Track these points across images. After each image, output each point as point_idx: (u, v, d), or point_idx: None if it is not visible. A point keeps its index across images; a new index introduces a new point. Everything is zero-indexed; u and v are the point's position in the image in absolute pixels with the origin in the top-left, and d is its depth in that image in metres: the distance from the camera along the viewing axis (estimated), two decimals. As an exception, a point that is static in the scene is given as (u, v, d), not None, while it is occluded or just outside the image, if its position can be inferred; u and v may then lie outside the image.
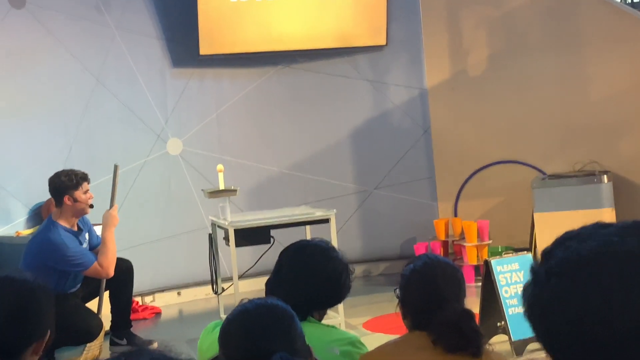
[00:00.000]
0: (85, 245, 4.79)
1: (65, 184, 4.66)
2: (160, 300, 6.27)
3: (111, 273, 4.73)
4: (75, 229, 4.75)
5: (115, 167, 4.91)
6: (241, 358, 1.71)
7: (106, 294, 4.95)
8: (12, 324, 1.82)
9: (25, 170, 5.74)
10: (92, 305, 4.89)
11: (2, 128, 5.69)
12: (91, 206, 4.74)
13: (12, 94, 5.75)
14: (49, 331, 1.89)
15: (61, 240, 4.59)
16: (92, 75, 6.10)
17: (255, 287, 5.98)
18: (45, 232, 4.65)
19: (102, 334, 4.78)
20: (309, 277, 2.36)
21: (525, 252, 4.36)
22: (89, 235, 4.86)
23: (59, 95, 5.95)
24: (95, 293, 4.89)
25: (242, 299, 1.84)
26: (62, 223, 4.66)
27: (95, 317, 4.76)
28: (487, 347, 2.30)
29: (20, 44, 5.78)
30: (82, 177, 4.71)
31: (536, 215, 6.08)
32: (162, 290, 6.31)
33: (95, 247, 4.82)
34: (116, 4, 6.20)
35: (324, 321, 2.44)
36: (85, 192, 4.70)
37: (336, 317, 4.73)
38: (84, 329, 4.59)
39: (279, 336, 1.72)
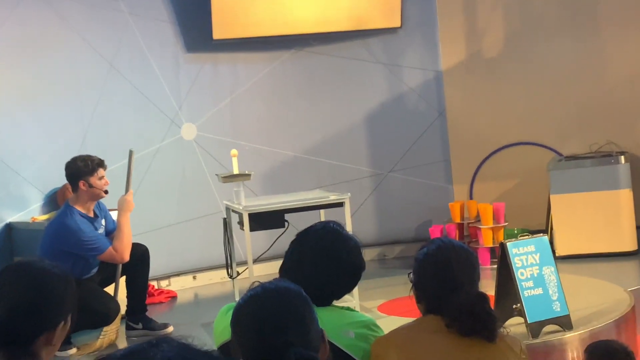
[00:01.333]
0: (101, 231, 4.82)
1: (80, 169, 4.71)
2: (175, 284, 6.30)
3: (126, 258, 4.75)
4: (92, 214, 4.78)
5: (131, 153, 4.93)
6: (253, 346, 1.66)
7: (122, 279, 4.98)
8: (20, 312, 1.79)
9: (40, 156, 5.77)
10: (109, 290, 4.92)
11: (17, 115, 5.70)
12: (106, 192, 4.76)
13: (26, 81, 5.76)
14: (62, 322, 1.85)
15: (77, 225, 4.63)
16: (106, 61, 6.10)
17: (269, 271, 5.99)
18: (62, 217, 4.70)
19: (118, 318, 4.81)
20: (331, 265, 2.27)
21: (542, 234, 4.31)
22: (105, 220, 4.89)
23: (73, 82, 5.96)
24: (112, 279, 4.91)
25: (253, 282, 1.80)
26: (79, 208, 4.71)
27: (112, 299, 4.79)
28: (502, 330, 2.29)
29: (33, 31, 5.79)
30: (97, 163, 4.74)
31: (552, 197, 6.04)
32: (177, 274, 6.34)
33: (112, 232, 4.85)
34: (129, -11, 6.19)
35: (338, 303, 2.41)
36: (101, 178, 4.73)
37: (351, 300, 4.73)
38: (100, 312, 4.63)
39: (291, 324, 1.66)
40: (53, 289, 1.85)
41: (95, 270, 4.86)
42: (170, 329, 5.03)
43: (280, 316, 1.67)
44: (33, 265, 1.89)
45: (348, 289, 2.40)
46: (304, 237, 2.36)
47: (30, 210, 5.67)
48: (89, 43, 6.01)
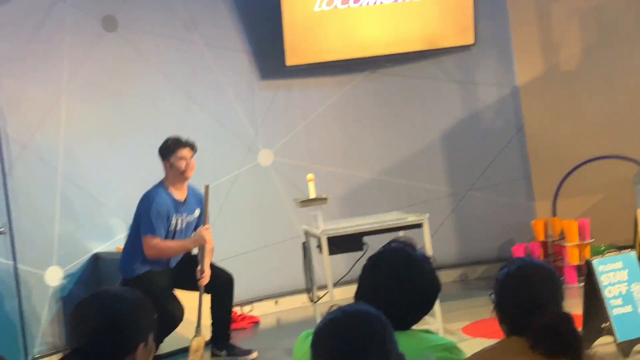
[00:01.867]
0: (190, 219, 4.92)
1: (162, 150, 4.95)
2: (258, 310, 6.34)
3: (150, 254, 4.80)
4: (181, 198, 4.90)
5: (206, 188, 4.98)
6: None
7: (207, 305, 5.01)
8: (98, 339, 1.85)
9: (123, 187, 5.91)
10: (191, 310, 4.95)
11: (100, 148, 5.88)
12: (182, 173, 4.84)
13: (107, 114, 5.93)
14: (142, 343, 1.90)
15: (154, 195, 4.83)
16: (183, 91, 6.24)
17: (350, 295, 5.94)
18: (151, 187, 4.93)
19: (201, 345, 4.84)
20: (406, 292, 2.22)
21: (629, 250, 4.17)
22: (200, 214, 4.98)
23: (152, 113, 6.11)
24: (188, 283, 4.92)
25: (331, 306, 1.78)
26: (168, 186, 4.88)
27: (178, 304, 4.80)
28: (588, 351, 2.21)
29: (113, 66, 5.97)
30: (175, 144, 4.92)
31: (639, 212, 5.84)
32: (259, 300, 6.38)
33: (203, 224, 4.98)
34: (204, 21, 6.33)
35: (417, 326, 2.37)
36: (180, 158, 4.85)
37: (433, 322, 4.66)
38: (165, 316, 4.55)
39: (372, 349, 1.64)
40: (127, 313, 1.90)
41: (173, 263, 4.91)
42: (255, 354, 5.05)
43: (360, 341, 1.64)
44: (105, 293, 1.97)
45: (425, 312, 2.36)
46: (375, 264, 2.31)
47: (115, 241, 5.81)
48: (165, 75, 6.17)
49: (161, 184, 4.91)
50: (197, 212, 4.97)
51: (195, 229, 4.99)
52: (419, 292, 2.27)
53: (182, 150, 4.87)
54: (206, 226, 4.92)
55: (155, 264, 4.85)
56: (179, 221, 4.91)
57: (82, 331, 1.87)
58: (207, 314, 5.07)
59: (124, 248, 5.02)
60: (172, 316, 4.68)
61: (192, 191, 5.01)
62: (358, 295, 2.32)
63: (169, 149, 4.88)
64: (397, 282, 2.24)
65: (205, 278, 4.86)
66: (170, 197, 4.85)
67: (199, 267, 4.87)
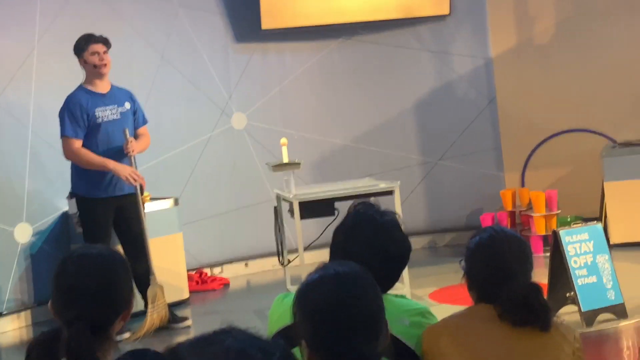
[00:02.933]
0: (122, 110, 4.86)
1: (75, 48, 4.86)
2: (228, 272, 6.38)
3: (68, 157, 4.79)
4: (103, 91, 4.84)
5: (124, 131, 4.84)
6: (321, 332, 1.64)
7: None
8: (101, 298, 1.85)
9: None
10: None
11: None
12: (95, 67, 4.75)
13: (80, 72, 5.84)
14: (132, 298, 1.94)
15: (68, 98, 4.79)
16: (157, 52, 6.18)
17: (320, 259, 6.01)
18: None
19: (161, 292, 4.79)
20: (380, 260, 2.23)
21: (595, 222, 4.27)
22: (130, 105, 4.92)
23: (125, 73, 6.03)
24: (123, 231, 4.87)
25: (321, 263, 1.76)
26: (86, 85, 4.84)
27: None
28: (556, 319, 2.27)
29: (86, 23, 5.87)
30: (86, 39, 4.84)
31: (606, 185, 5.95)
32: (230, 262, 6.41)
33: (140, 125, 4.97)
34: (179, -19, 6.26)
35: (392, 291, 2.40)
36: (93, 53, 4.80)
37: (402, 287, 4.74)
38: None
39: (362, 307, 1.64)
40: (119, 270, 1.92)
41: (118, 191, 4.79)
42: (189, 322, 4.97)
43: (353, 299, 1.65)
44: (91, 254, 1.95)
45: (398, 275, 2.38)
46: (347, 236, 2.29)
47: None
48: (140, 35, 6.10)
49: (79, 85, 4.86)
50: (128, 104, 4.91)
51: (135, 126, 4.94)
52: (392, 259, 2.31)
53: (94, 45, 4.79)
54: (133, 169, 4.79)
55: (97, 188, 4.76)
56: (108, 112, 4.83)
57: (79, 293, 1.84)
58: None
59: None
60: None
61: (116, 87, 4.96)
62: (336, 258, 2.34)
63: (81, 45, 4.80)
64: (372, 253, 2.24)
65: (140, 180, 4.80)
66: (89, 92, 4.80)
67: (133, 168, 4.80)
